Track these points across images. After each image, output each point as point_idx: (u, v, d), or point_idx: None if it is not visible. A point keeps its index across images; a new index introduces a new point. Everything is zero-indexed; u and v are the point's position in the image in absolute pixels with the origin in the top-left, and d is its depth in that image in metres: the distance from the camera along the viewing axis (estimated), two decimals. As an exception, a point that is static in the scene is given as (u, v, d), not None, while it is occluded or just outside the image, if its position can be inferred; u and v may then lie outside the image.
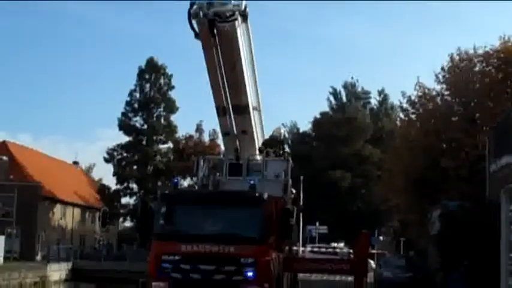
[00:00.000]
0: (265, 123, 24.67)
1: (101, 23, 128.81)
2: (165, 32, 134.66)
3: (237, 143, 21.94)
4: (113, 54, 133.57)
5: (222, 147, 24.82)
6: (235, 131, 21.53)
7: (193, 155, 54.99)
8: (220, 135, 25.12)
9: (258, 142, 23.41)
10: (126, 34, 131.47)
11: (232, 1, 19.33)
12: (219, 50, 19.17)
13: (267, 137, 24.53)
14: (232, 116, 20.99)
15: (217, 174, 22.73)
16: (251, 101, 22.01)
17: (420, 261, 38.29)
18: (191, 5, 18.74)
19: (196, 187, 23.38)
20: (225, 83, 19.93)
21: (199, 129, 70.53)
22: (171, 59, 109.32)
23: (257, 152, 23.11)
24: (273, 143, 22.91)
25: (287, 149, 23.64)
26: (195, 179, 25.96)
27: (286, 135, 23.37)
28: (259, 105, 23.49)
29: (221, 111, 21.35)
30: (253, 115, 22.60)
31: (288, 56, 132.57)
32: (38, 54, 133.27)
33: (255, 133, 22.97)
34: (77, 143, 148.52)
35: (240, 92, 21.14)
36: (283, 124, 78.85)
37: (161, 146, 71.22)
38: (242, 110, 21.59)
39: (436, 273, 30.90)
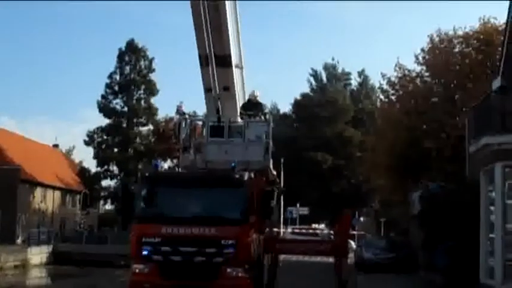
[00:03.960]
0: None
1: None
2: (147, 12, 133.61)
3: (219, 103, 21.85)
4: (99, 30, 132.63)
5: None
6: (217, 87, 21.40)
7: (173, 137, 54.87)
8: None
9: (239, 103, 23.31)
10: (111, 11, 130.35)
11: None
12: None
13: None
14: (214, 66, 20.90)
15: (199, 135, 22.71)
16: (234, 54, 22.00)
17: (402, 242, 38.46)
18: None
19: (178, 148, 23.29)
20: (209, 26, 19.93)
21: (179, 111, 70.29)
22: (151, 41, 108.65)
23: (238, 113, 23.02)
24: (251, 106, 22.80)
25: (267, 110, 23.52)
26: (177, 158, 25.75)
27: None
28: (242, 63, 23.41)
29: (204, 61, 21.23)
30: (236, 72, 22.57)
31: (267, 34, 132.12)
32: (19, 35, 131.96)
33: (236, 92, 22.88)
34: (61, 124, 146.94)
35: (223, 40, 21.11)
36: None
37: (142, 129, 71.10)
38: (224, 61, 21.50)
39: (418, 253, 31.10)
